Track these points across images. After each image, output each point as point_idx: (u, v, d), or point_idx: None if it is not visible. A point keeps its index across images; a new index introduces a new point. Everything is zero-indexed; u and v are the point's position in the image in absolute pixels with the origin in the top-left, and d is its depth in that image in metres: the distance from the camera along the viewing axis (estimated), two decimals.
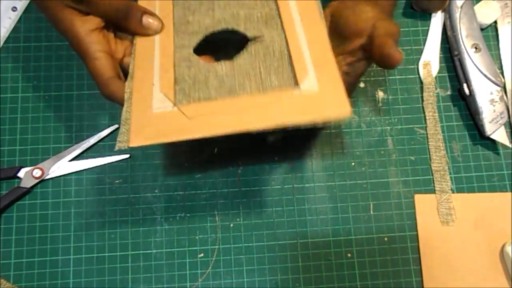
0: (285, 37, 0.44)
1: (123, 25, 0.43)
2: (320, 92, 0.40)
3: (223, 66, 0.43)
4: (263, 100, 0.40)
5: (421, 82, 0.54)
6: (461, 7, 0.53)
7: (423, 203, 0.50)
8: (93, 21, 0.41)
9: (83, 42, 0.41)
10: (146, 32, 0.43)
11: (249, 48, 0.44)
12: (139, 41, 0.43)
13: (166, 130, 0.38)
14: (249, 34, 0.45)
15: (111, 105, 0.50)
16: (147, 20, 0.43)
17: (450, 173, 0.51)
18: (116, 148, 0.38)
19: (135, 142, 0.37)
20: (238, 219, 0.49)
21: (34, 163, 0.49)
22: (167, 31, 0.45)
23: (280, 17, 0.45)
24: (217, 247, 0.48)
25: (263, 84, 0.42)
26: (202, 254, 0.48)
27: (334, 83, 0.40)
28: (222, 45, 0.46)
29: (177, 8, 0.46)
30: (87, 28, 0.41)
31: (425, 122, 0.52)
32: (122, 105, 0.41)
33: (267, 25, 0.45)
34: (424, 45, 0.55)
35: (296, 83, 0.40)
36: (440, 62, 0.54)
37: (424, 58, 0.54)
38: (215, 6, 0.46)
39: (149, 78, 0.42)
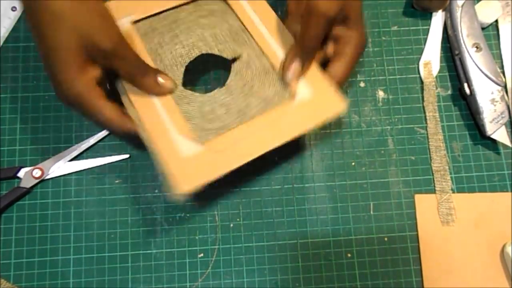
0: (262, 51, 0.46)
1: (139, 81, 0.42)
2: (314, 98, 0.43)
3: (220, 93, 0.45)
4: (271, 118, 0.43)
5: (422, 82, 0.53)
6: (462, 6, 0.53)
7: (423, 203, 0.50)
8: (95, 73, 0.40)
9: (86, 96, 0.39)
10: (160, 91, 0.43)
11: (233, 69, 0.46)
12: (131, 95, 0.43)
13: (206, 169, 0.40)
14: (226, 55, 0.47)
15: None
16: (162, 79, 0.43)
17: (450, 173, 0.51)
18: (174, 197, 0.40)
19: (184, 189, 0.39)
20: (238, 219, 0.49)
21: (34, 163, 0.49)
22: None
23: (247, 31, 0.47)
24: (217, 247, 0.48)
25: (264, 98, 0.44)
26: (202, 254, 0.48)
27: (323, 85, 0.43)
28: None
29: (148, 46, 0.46)
30: (87, 82, 0.39)
31: (426, 122, 0.52)
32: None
33: (237, 42, 0.47)
34: (424, 44, 0.55)
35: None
36: (441, 62, 0.54)
37: (424, 57, 0.54)
38: (177, 32, 0.47)
39: (161, 125, 0.42)
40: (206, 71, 0.52)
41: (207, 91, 0.48)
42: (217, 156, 0.41)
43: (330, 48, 0.45)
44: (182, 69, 0.46)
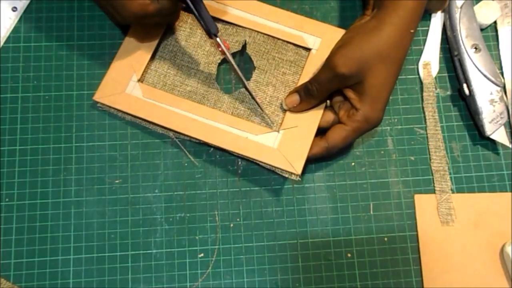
0: (253, 28, 0.52)
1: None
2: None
3: (257, 75, 0.51)
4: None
5: (421, 82, 0.54)
6: (461, 7, 0.53)
7: (423, 203, 0.50)
8: None
9: None
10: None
11: (250, 54, 0.51)
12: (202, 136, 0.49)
13: (299, 144, 0.48)
14: (236, 49, 0.51)
15: None
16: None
17: (450, 173, 0.51)
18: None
19: (299, 170, 0.47)
20: (238, 219, 0.49)
21: (34, 163, 0.49)
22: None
23: (227, 23, 0.52)
24: (217, 247, 0.48)
25: (289, 60, 0.51)
26: (202, 254, 0.48)
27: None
28: None
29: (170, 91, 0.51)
30: None
31: (425, 122, 0.52)
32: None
33: (232, 35, 0.52)
34: (424, 45, 0.55)
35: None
36: (440, 63, 0.54)
37: (424, 58, 0.54)
38: (183, 64, 0.51)
39: (238, 139, 0.48)
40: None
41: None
42: (297, 130, 0.48)
43: (335, 100, 0.47)
44: (216, 87, 0.50)
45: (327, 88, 0.46)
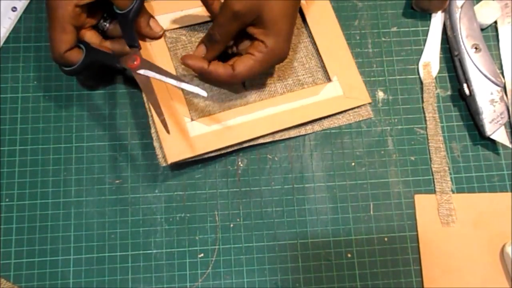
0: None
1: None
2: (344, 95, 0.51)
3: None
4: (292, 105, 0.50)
5: (421, 83, 0.54)
6: (461, 7, 0.53)
7: (423, 204, 0.50)
8: None
9: (61, 10, 0.44)
10: (149, 33, 0.50)
11: None
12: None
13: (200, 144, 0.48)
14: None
15: (112, 105, 0.50)
16: (154, 24, 0.50)
17: (450, 174, 0.51)
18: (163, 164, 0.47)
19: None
20: (238, 219, 0.49)
21: (34, 163, 0.49)
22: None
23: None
24: (217, 247, 0.48)
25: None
26: (202, 254, 0.48)
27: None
28: None
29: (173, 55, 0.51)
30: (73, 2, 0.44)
31: (425, 123, 0.52)
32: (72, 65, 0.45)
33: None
34: (424, 45, 0.55)
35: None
36: (440, 62, 0.54)
37: (424, 58, 0.54)
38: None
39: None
40: None
41: None
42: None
43: (242, 45, 0.48)
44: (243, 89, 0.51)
45: (228, 30, 0.46)
